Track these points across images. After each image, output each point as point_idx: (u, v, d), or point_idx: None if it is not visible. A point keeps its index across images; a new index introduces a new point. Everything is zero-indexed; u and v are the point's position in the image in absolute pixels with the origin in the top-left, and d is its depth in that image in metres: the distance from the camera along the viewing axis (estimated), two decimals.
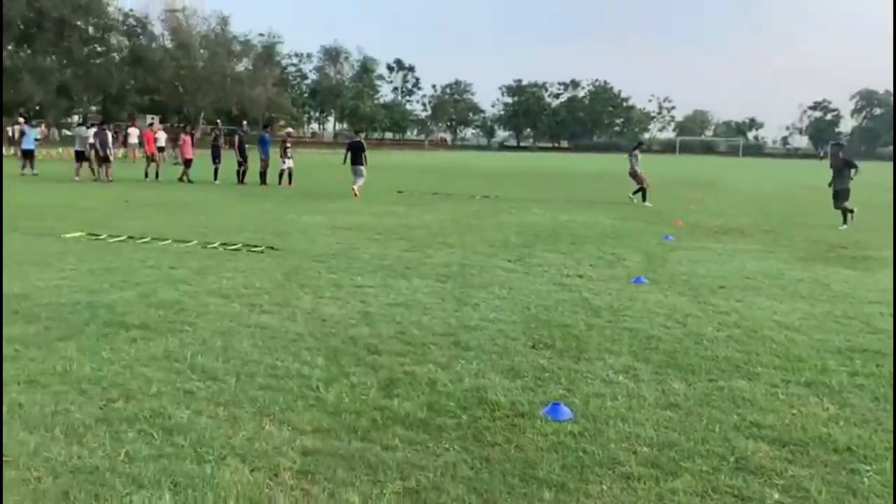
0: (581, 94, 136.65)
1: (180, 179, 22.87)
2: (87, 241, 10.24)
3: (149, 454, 3.53)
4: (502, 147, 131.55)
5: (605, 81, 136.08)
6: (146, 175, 23.68)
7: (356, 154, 20.16)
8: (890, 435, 4.04)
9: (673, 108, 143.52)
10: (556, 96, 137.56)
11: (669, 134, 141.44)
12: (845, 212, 15.04)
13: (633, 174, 20.07)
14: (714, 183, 32.11)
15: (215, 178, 22.84)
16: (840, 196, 15.19)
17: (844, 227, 14.60)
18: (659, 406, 4.40)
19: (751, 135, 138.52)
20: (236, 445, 3.67)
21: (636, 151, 20.60)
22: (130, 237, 10.63)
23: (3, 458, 3.44)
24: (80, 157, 23.08)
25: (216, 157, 23.45)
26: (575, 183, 30.20)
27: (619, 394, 4.58)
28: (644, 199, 19.42)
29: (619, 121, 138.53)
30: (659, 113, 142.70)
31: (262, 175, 22.54)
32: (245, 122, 35.22)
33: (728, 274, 8.99)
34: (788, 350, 5.64)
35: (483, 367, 5.04)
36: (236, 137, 23.75)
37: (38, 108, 59.76)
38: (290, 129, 31.99)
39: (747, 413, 4.30)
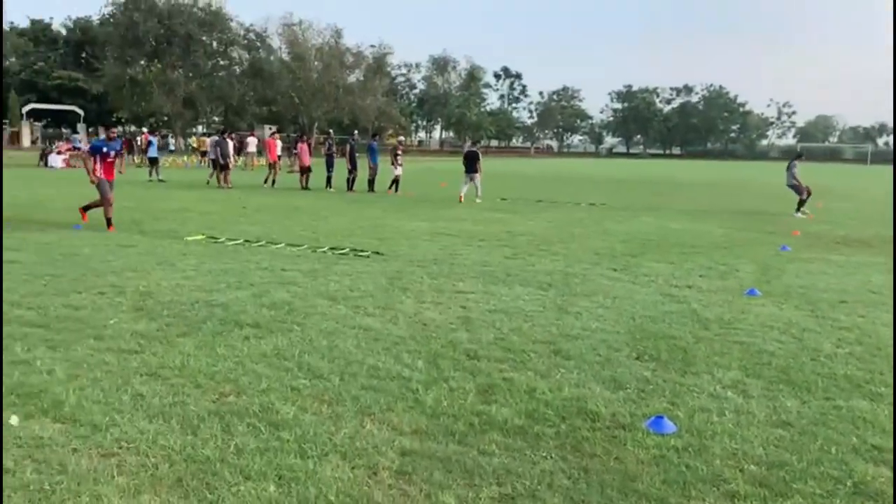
0: (694, 99, 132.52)
1: (305, 187, 23.72)
2: (206, 243, 10.81)
3: (256, 447, 3.69)
4: (611, 154, 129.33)
5: (720, 86, 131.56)
6: (265, 181, 24.73)
7: (471, 162, 20.77)
8: None
9: (793, 112, 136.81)
10: (668, 102, 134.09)
11: (789, 140, 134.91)
12: None
13: (794, 186, 18.97)
14: (837, 191, 30.31)
15: (328, 186, 23.60)
16: None
17: None
18: (769, 424, 4.19)
19: (881, 141, 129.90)
20: (338, 442, 3.77)
21: (795, 162, 19.47)
22: (246, 241, 11.14)
23: (125, 445, 3.68)
24: (216, 164, 24.45)
25: (330, 166, 24.25)
26: (686, 191, 29.25)
27: (726, 409, 4.40)
28: (798, 209, 18.50)
29: (734, 127, 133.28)
30: (778, 118, 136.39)
31: (371, 182, 23.14)
32: (356, 132, 36.21)
33: (850, 288, 8.46)
34: None
35: (584, 376, 4.97)
36: (347, 146, 24.49)
37: (166, 118, 63.75)
38: (401, 138, 32.66)
39: (868, 435, 4.03)
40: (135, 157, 36.60)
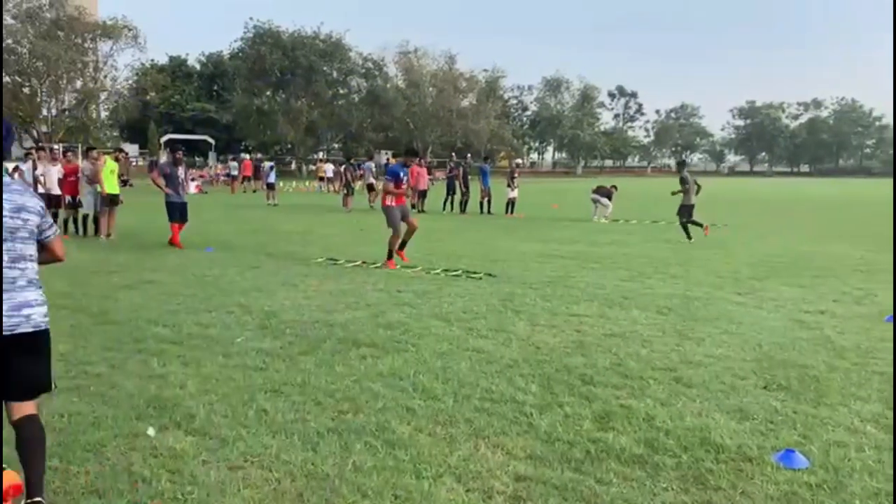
0: (824, 114, 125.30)
1: (421, 210, 24.23)
2: (326, 264, 11.19)
3: (373, 465, 3.75)
4: (733, 172, 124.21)
5: (852, 99, 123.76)
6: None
7: (604, 194, 21.34)
8: None
9: None
10: (795, 117, 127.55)
11: None
12: None
13: None
14: None
15: (444, 208, 24.03)
16: None
17: None
18: None
19: None
20: (452, 464, 3.78)
21: None
22: (364, 262, 11.45)
23: (250, 459, 3.84)
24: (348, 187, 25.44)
25: (451, 189, 24.68)
26: (818, 211, 27.63)
27: (865, 445, 4.08)
28: None
29: (869, 142, 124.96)
30: None
31: (483, 204, 23.34)
32: (468, 155, 36.60)
33: None
34: None
35: (707, 405, 4.75)
36: (460, 169, 24.83)
37: (289, 146, 66.80)
38: (518, 161, 32.73)
39: None
40: (253, 182, 38.52)
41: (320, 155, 75.32)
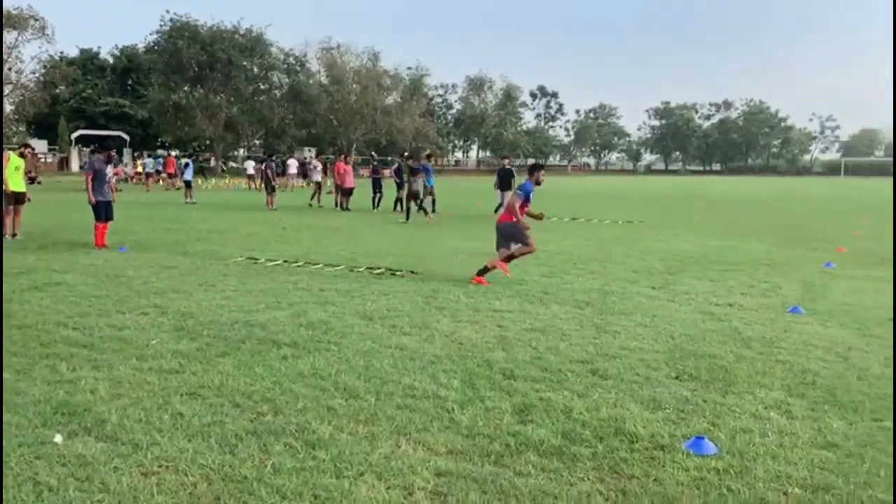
0: (734, 114, 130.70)
1: (346, 208, 24.01)
2: (246, 264, 10.97)
3: (292, 466, 3.71)
4: (649, 171, 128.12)
5: (760, 101, 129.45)
6: (336, 204, 25.03)
7: (505, 180, 20.79)
8: None
9: (837, 127, 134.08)
10: (707, 118, 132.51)
11: (833, 155, 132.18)
12: None
13: None
14: (883, 207, 29.52)
15: (375, 207, 23.92)
16: None
17: None
18: (814, 445, 4.08)
19: None
20: (373, 462, 3.78)
21: None
22: (285, 261, 11.27)
23: (164, 464, 3.74)
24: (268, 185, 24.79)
25: (376, 187, 24.46)
26: (727, 208, 28.81)
27: (769, 430, 4.30)
28: None
29: (776, 142, 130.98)
30: (821, 133, 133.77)
31: (430, 203, 23.14)
32: (405, 152, 36.37)
33: None
34: None
35: (622, 396, 4.90)
36: (395, 166, 24.70)
37: (208, 142, 65.08)
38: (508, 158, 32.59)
39: None
40: (174, 180, 37.42)
41: (241, 152, 73.80)
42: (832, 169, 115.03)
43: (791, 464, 3.83)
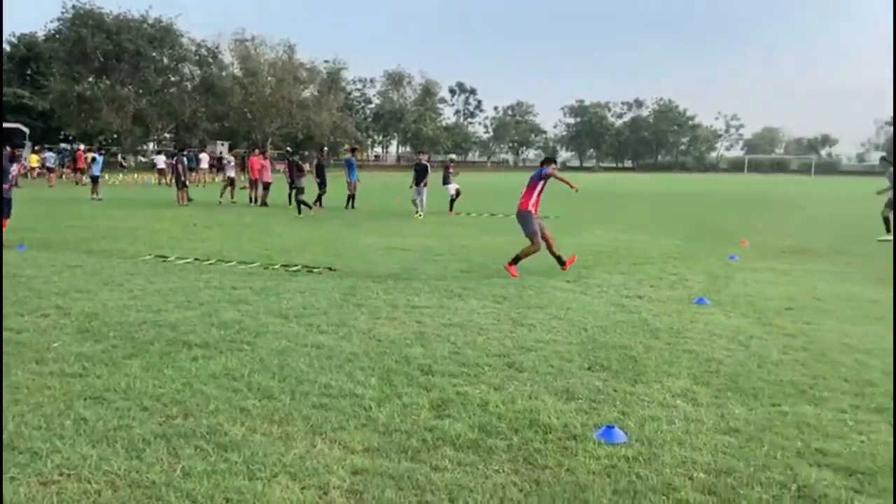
0: (645, 113, 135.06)
1: (264, 203, 23.46)
2: (155, 262, 10.60)
3: (203, 470, 3.61)
4: (564, 168, 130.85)
5: (669, 100, 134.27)
6: (250, 200, 24.47)
7: (421, 175, 20.82)
8: None
9: (741, 126, 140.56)
10: (620, 116, 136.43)
11: (738, 152, 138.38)
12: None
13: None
14: (784, 202, 31.15)
15: (290, 202, 23.48)
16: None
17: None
18: (718, 431, 4.26)
19: (824, 152, 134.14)
20: (288, 463, 3.71)
21: None
22: (197, 259, 10.95)
23: (66, 472, 3.57)
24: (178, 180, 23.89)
25: (293, 183, 23.96)
26: (637, 203, 29.74)
27: (676, 418, 4.46)
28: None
29: (684, 140, 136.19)
30: (726, 131, 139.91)
31: (351, 199, 22.92)
32: (325, 147, 35.73)
33: (797, 296, 8.68)
34: (859, 374, 5.40)
35: (537, 388, 4.99)
36: (315, 161, 24.12)
37: (115, 135, 62.48)
38: (452, 156, 32.25)
39: (812, 440, 4.13)
40: (81, 177, 35.81)
41: (151, 146, 71.19)
42: (736, 166, 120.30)
43: (696, 449, 3.98)
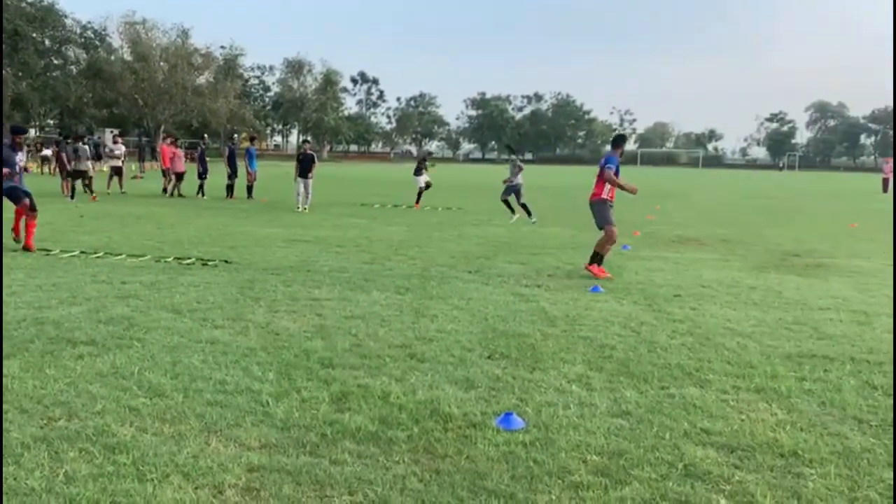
0: (544, 107, 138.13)
1: (176, 194, 22.58)
2: (37, 256, 9.99)
3: (88, 473, 3.43)
4: (467, 159, 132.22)
5: (567, 94, 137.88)
6: (164, 191, 23.44)
7: (306, 166, 19.40)
8: (835, 438, 4.10)
9: (634, 120, 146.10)
10: (520, 109, 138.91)
11: (631, 146, 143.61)
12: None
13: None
14: (673, 194, 32.60)
15: (199, 193, 22.67)
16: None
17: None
18: (610, 414, 4.41)
19: (710, 146, 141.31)
20: (180, 463, 3.58)
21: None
22: (83, 252, 10.40)
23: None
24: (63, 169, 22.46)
25: (202, 172, 23.12)
26: (538, 195, 30.39)
27: (571, 402, 4.59)
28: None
29: (581, 133, 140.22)
30: (620, 125, 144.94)
31: (249, 189, 22.37)
32: (235, 136, 34.61)
33: (684, 283, 9.10)
34: (740, 357, 5.72)
35: (438, 378, 5.01)
36: (226, 151, 23.56)
37: None
38: (428, 149, 31.58)
39: (697, 420, 4.34)
40: None
41: (32, 133, 66.97)
42: (629, 159, 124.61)
43: (590, 433, 4.11)
